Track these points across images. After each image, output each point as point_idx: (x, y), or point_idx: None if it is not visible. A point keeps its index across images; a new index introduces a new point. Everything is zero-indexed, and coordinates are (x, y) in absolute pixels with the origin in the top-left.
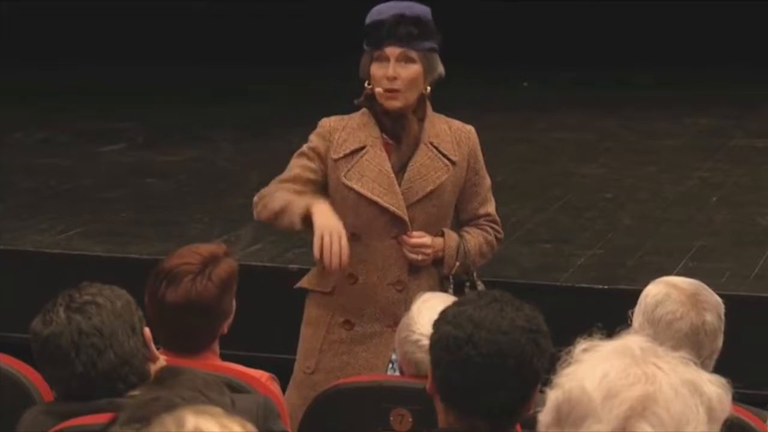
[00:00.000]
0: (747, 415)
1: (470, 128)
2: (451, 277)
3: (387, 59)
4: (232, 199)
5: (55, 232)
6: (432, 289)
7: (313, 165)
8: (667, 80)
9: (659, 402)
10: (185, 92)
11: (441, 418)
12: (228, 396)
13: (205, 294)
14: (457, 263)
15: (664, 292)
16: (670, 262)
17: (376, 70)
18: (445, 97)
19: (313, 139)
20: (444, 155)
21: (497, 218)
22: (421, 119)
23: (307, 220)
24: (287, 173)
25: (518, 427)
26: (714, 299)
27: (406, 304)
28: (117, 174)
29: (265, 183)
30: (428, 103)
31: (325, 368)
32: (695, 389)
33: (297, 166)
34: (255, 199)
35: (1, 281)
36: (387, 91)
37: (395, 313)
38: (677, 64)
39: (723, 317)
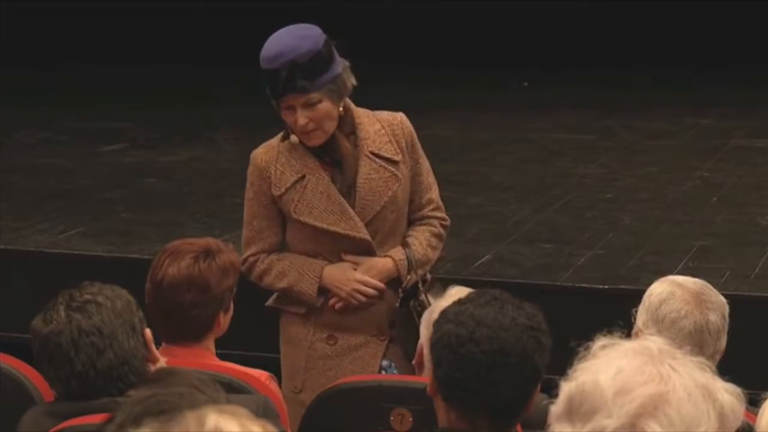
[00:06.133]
0: (748, 416)
1: (401, 117)
2: (400, 290)
3: (293, 107)
4: (232, 199)
5: (55, 231)
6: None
7: (265, 209)
8: (667, 80)
9: (671, 403)
10: (185, 92)
11: (441, 418)
12: (223, 393)
13: (207, 273)
14: (409, 276)
15: (669, 291)
16: (670, 262)
17: (285, 117)
18: (445, 98)
19: (252, 180)
20: (387, 159)
21: (440, 203)
22: (352, 132)
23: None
24: (248, 230)
25: (518, 426)
26: (718, 299)
27: (387, 312)
28: (117, 174)
29: None
30: (351, 108)
31: (311, 386)
32: (709, 394)
33: (253, 216)
34: (242, 268)
35: (1, 281)
36: (302, 133)
37: (378, 321)
38: (677, 65)
39: (727, 317)
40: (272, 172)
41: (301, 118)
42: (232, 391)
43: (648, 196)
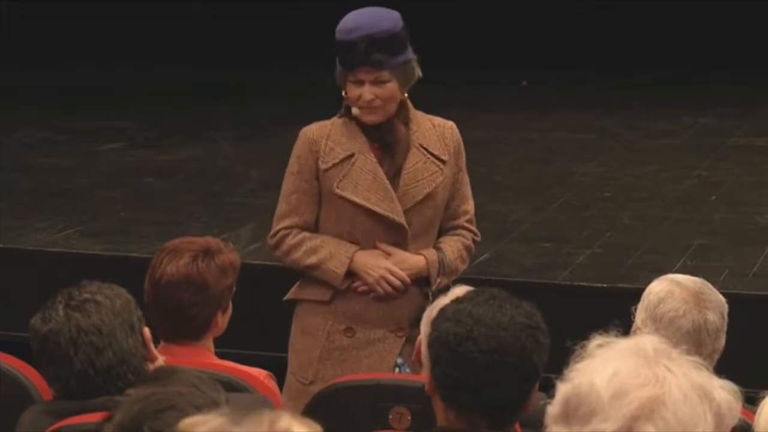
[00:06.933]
0: (746, 414)
1: (452, 124)
2: (430, 293)
3: (362, 82)
4: (231, 199)
5: (54, 231)
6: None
7: (307, 184)
8: (667, 80)
9: (667, 405)
10: (185, 92)
11: (440, 417)
12: (222, 392)
13: (206, 272)
14: (439, 279)
15: (668, 290)
16: (669, 261)
17: (351, 90)
18: (445, 97)
19: (300, 153)
20: (434, 156)
21: (474, 218)
22: (406, 122)
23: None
24: (286, 204)
25: (517, 426)
26: (717, 298)
27: (409, 309)
28: (116, 173)
29: (264, 182)
30: (409, 105)
31: (324, 378)
32: (705, 395)
33: (293, 191)
34: (271, 241)
35: (0, 280)
36: (364, 108)
37: (398, 316)
38: (676, 64)
39: (726, 316)
40: (322, 146)
41: (368, 93)
42: (231, 389)
43: (647, 195)
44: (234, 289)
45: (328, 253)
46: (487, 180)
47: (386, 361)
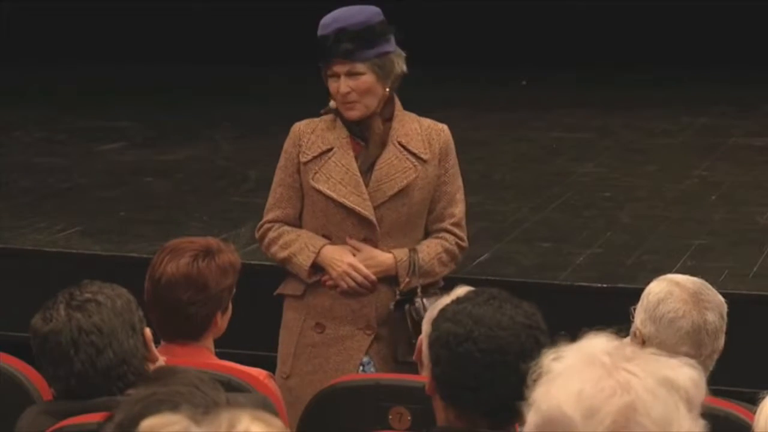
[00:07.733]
0: (739, 410)
1: (443, 126)
2: (397, 292)
3: (337, 75)
4: (231, 198)
5: (54, 230)
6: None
7: (290, 178)
8: (666, 79)
9: (640, 410)
10: (185, 92)
11: (440, 417)
12: (223, 393)
13: (206, 272)
14: (407, 279)
15: (667, 290)
16: (668, 261)
17: (330, 85)
18: (445, 97)
19: (287, 147)
20: (413, 154)
21: (462, 223)
22: (389, 119)
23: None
24: (271, 198)
25: (517, 426)
26: (717, 298)
27: (378, 307)
28: (116, 173)
29: (263, 182)
30: (397, 102)
31: (299, 372)
32: (671, 386)
33: (278, 184)
34: (257, 234)
35: (0, 280)
36: (342, 103)
37: (366, 315)
38: (676, 63)
39: (725, 317)
40: (305, 141)
41: (344, 86)
42: (231, 389)
43: (646, 195)
44: (234, 290)
45: (299, 247)
46: (486, 179)
47: (354, 358)
